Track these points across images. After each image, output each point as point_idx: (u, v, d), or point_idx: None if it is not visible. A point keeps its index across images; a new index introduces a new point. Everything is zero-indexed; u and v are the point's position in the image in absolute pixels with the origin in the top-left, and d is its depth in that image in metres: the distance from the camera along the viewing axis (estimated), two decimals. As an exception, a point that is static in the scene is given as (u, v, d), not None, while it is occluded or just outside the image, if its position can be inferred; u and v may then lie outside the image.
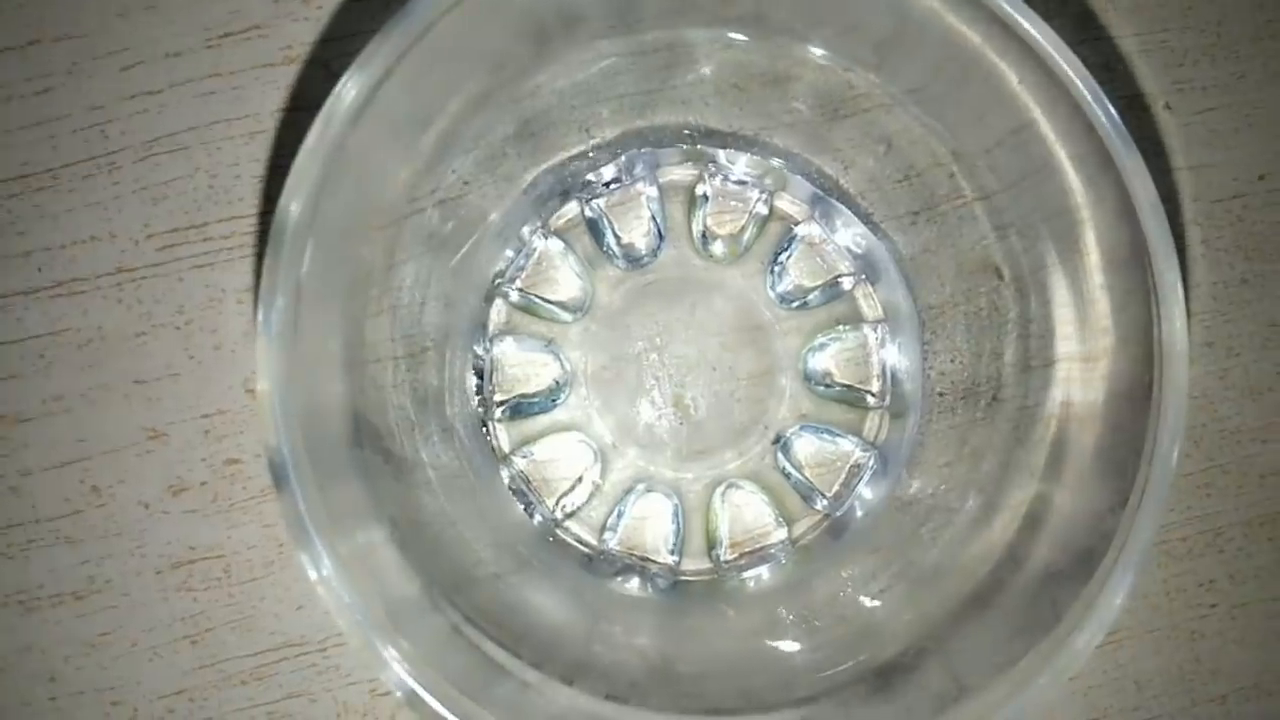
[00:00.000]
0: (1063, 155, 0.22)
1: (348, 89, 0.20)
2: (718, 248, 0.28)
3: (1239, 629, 0.30)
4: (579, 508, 0.27)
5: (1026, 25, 0.21)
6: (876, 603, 0.25)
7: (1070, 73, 0.21)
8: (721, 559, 0.27)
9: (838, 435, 0.28)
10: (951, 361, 0.27)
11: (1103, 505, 0.21)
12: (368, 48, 0.20)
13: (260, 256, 0.28)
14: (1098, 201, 0.22)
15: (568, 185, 0.27)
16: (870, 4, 0.23)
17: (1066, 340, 0.23)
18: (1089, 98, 0.21)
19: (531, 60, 0.24)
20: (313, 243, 0.20)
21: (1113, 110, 0.21)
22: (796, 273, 0.28)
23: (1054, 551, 0.22)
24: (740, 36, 0.24)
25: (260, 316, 0.19)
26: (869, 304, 0.28)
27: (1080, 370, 0.23)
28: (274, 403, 0.19)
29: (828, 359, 0.28)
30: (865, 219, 0.27)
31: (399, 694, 0.20)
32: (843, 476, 0.28)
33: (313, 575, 0.20)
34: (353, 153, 0.20)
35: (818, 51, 0.24)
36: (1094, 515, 0.21)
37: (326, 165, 0.20)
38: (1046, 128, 0.22)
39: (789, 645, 0.25)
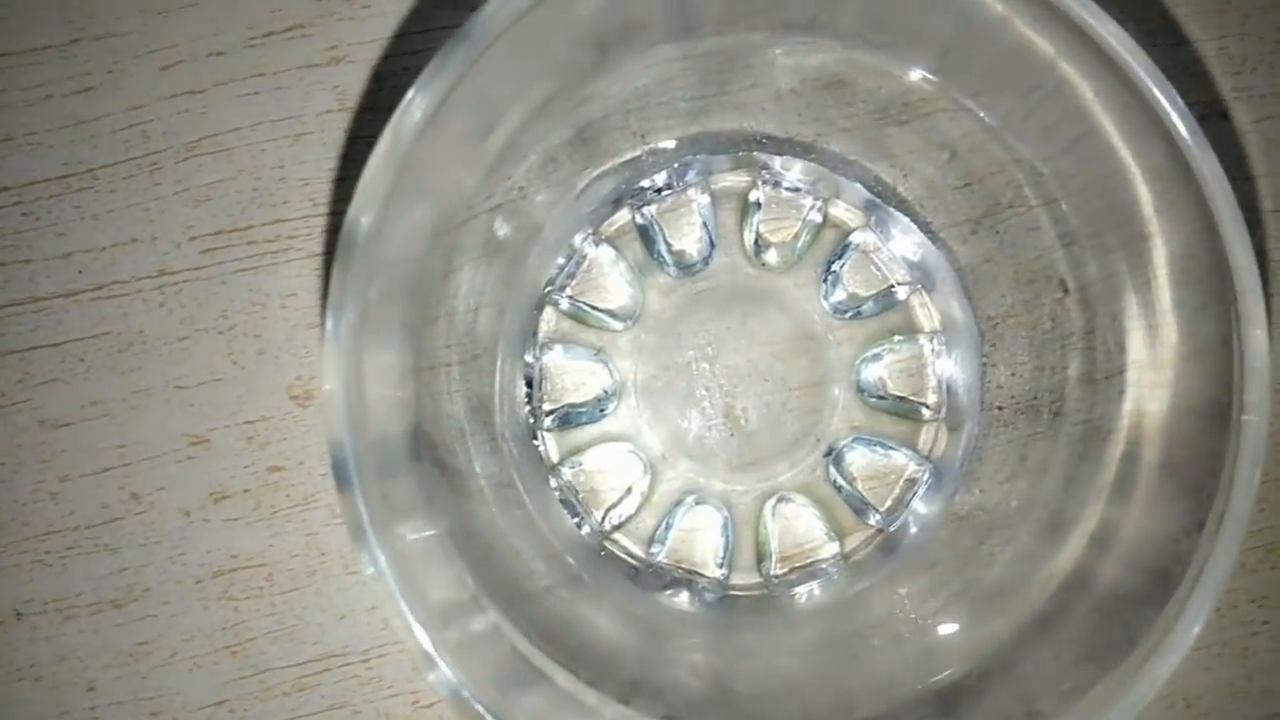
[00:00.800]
0: (1135, 165, 0.22)
1: (416, 103, 0.19)
2: (770, 255, 0.28)
3: (1293, 647, 0.29)
4: (627, 519, 0.27)
5: (1103, 32, 0.20)
6: (936, 622, 0.24)
7: (1149, 81, 0.20)
8: (771, 573, 0.27)
9: (891, 448, 0.27)
10: (1011, 374, 0.26)
11: (1175, 526, 0.21)
12: (433, 61, 0.20)
13: (308, 259, 0.28)
14: (1171, 213, 0.22)
15: (620, 192, 0.27)
16: (935, 9, 0.22)
17: (1135, 355, 0.23)
18: (1168, 107, 0.20)
19: (591, 67, 0.23)
20: (379, 251, 0.20)
21: (1194, 120, 0.20)
22: (851, 282, 0.28)
23: (1125, 573, 0.21)
24: (799, 42, 0.24)
25: (329, 325, 0.19)
26: (925, 314, 0.28)
27: (1149, 386, 0.23)
28: (341, 404, 0.19)
29: (882, 370, 0.28)
30: (923, 227, 0.27)
31: (444, 694, 0.19)
32: (896, 490, 0.27)
33: (369, 571, 0.19)
34: (418, 164, 0.20)
35: (879, 57, 0.24)
36: (1167, 537, 0.21)
37: (394, 178, 0.19)
38: (1118, 137, 0.22)
39: (847, 665, 0.24)
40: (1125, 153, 0.22)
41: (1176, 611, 0.20)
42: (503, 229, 0.25)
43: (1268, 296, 0.30)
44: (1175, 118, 0.20)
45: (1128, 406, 0.23)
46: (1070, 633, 0.21)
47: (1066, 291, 0.24)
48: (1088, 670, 0.20)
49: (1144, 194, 0.22)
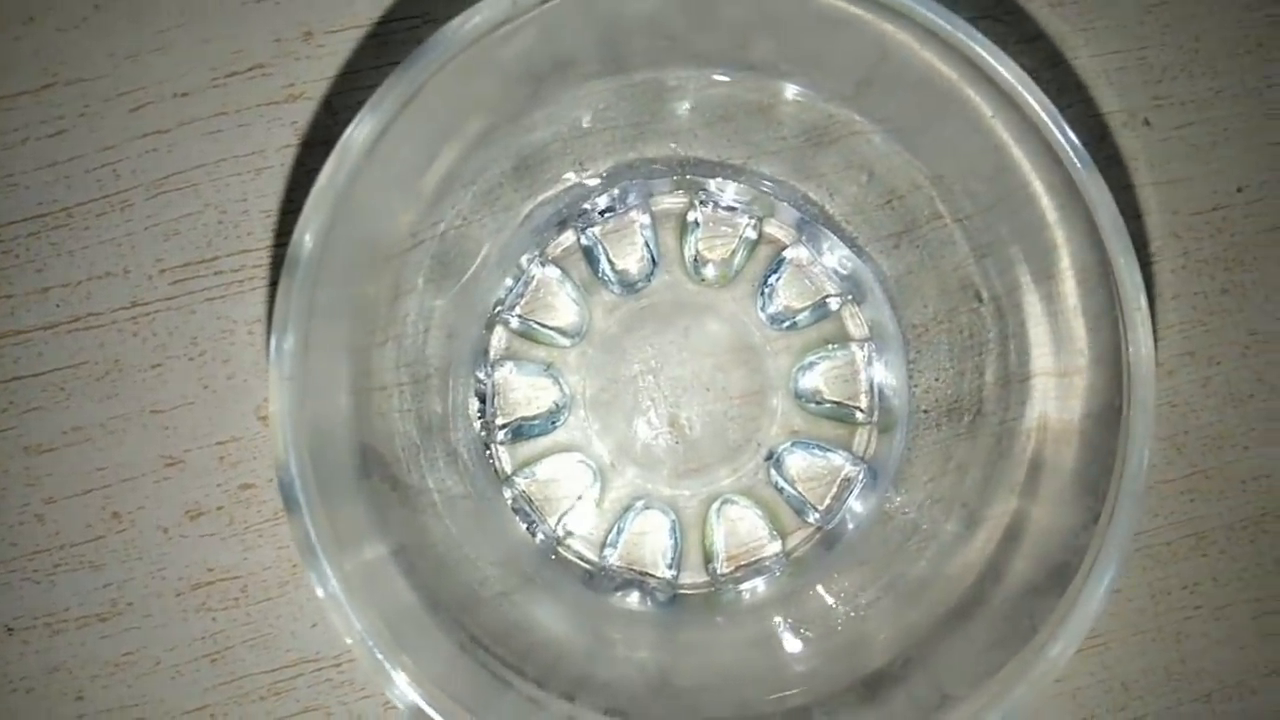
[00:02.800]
0: (1036, 182, 0.23)
1: (357, 132, 0.21)
2: (709, 272, 0.29)
3: (1222, 630, 0.31)
4: (579, 525, 0.29)
5: (994, 63, 0.22)
6: (865, 614, 0.26)
7: (1036, 106, 0.22)
8: (718, 572, 0.28)
9: (828, 450, 0.29)
10: (935, 379, 0.28)
11: (1076, 521, 0.22)
12: (375, 94, 0.21)
13: (270, 288, 0.30)
14: (1069, 227, 0.23)
15: (564, 215, 0.28)
16: (847, 44, 0.24)
17: (1042, 360, 0.24)
18: (1053, 128, 0.22)
19: (526, 101, 0.25)
20: (323, 276, 0.21)
21: (1075, 139, 0.22)
22: (786, 295, 0.29)
23: (1031, 566, 0.23)
24: (723, 75, 0.25)
25: (273, 344, 0.20)
26: (855, 324, 0.29)
27: (1055, 390, 0.24)
28: (284, 426, 0.20)
29: (817, 377, 0.29)
30: (850, 243, 0.28)
31: (403, 709, 0.21)
32: (834, 490, 0.29)
33: (320, 593, 0.21)
34: (361, 191, 0.21)
35: (798, 87, 0.25)
36: (1068, 531, 0.22)
37: (336, 203, 0.21)
38: (1019, 156, 0.23)
39: (783, 656, 0.26)
40: (1025, 171, 0.23)
41: (1072, 600, 0.21)
42: (449, 255, 0.26)
43: (1168, 297, 0.31)
44: (1060, 138, 0.22)
45: (1035, 410, 0.24)
46: (982, 622, 0.23)
47: (981, 301, 0.26)
48: (995, 655, 0.22)
49: (1045, 210, 0.23)
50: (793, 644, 0.26)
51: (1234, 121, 0.32)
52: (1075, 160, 0.21)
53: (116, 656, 0.29)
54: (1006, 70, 0.22)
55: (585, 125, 0.27)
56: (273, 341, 0.21)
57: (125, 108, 0.30)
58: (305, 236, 0.21)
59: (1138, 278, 0.21)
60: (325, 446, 0.22)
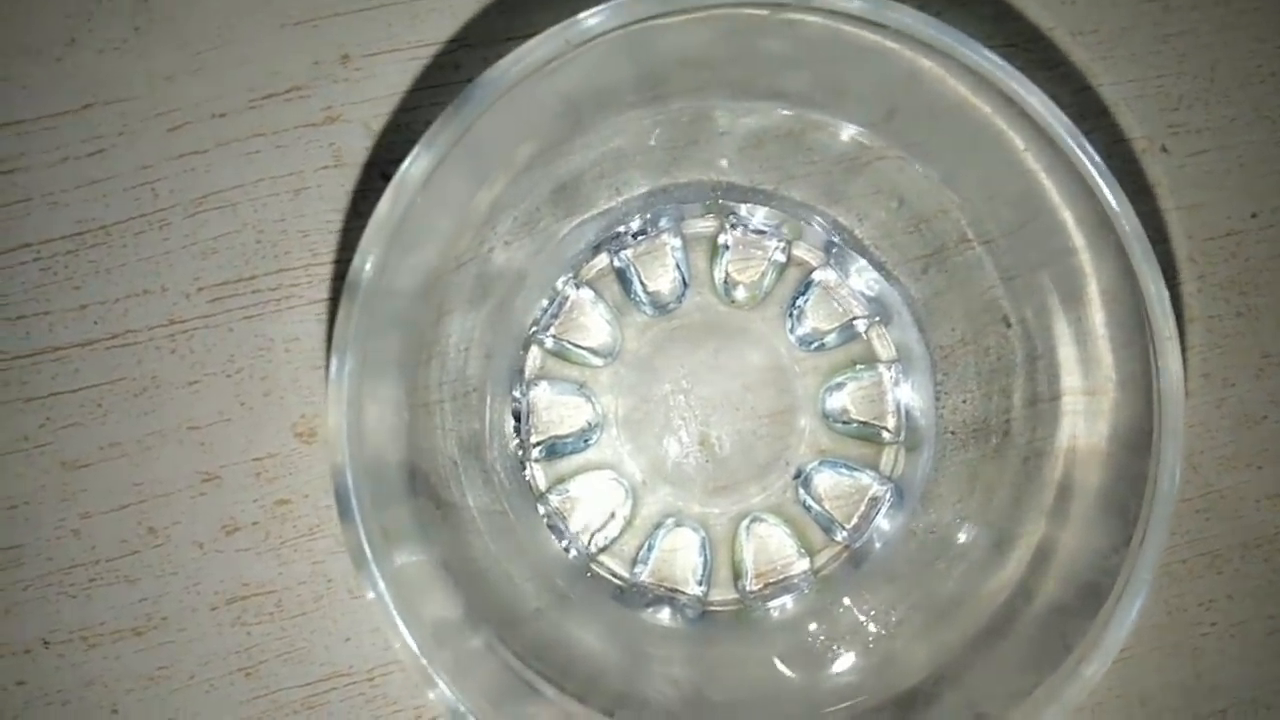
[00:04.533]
0: (1065, 210, 0.24)
1: (414, 167, 0.22)
2: (739, 294, 0.30)
3: (1238, 646, 0.31)
4: (611, 542, 0.29)
5: (1025, 95, 0.22)
6: (896, 632, 0.26)
7: (1067, 138, 0.22)
8: (747, 589, 0.29)
9: (856, 470, 0.29)
10: (963, 400, 0.28)
11: (1105, 544, 0.23)
12: (429, 130, 0.22)
13: (309, 306, 0.30)
14: (1097, 254, 0.24)
15: (598, 238, 0.29)
16: (879, 74, 0.24)
17: (1071, 385, 0.25)
18: (1085, 161, 0.22)
19: (568, 130, 0.25)
20: (376, 300, 0.22)
21: (1107, 171, 0.22)
22: (814, 316, 0.30)
23: (1061, 587, 0.23)
24: (756, 104, 0.26)
25: (333, 366, 0.21)
26: (883, 345, 0.30)
27: (1084, 414, 0.25)
28: (343, 438, 0.21)
29: (845, 397, 0.30)
30: (878, 266, 0.29)
31: (443, 710, 0.21)
32: (861, 508, 0.29)
33: (369, 595, 0.21)
34: (413, 221, 0.22)
35: (829, 115, 0.26)
36: (1098, 553, 0.23)
37: (396, 228, 0.21)
38: (1049, 185, 0.24)
39: (815, 674, 0.26)
40: (1054, 200, 0.24)
41: (1105, 621, 0.22)
42: (489, 277, 0.27)
43: (1184, 321, 0.32)
44: (1093, 171, 0.22)
45: (1064, 432, 0.25)
46: (1013, 642, 0.24)
47: (1009, 325, 0.27)
48: (1028, 676, 0.22)
49: (1074, 237, 0.24)
50: (824, 661, 0.26)
51: (1248, 148, 0.32)
52: (1108, 193, 0.22)
53: (151, 670, 0.29)
54: (1038, 102, 0.22)
55: (621, 153, 0.27)
56: (333, 363, 0.21)
57: (163, 128, 0.30)
58: (366, 265, 0.21)
59: (1168, 306, 0.22)
60: (376, 460, 0.22)
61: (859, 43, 0.23)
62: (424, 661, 0.21)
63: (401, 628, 0.21)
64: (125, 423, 0.30)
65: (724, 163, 0.28)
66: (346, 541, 0.21)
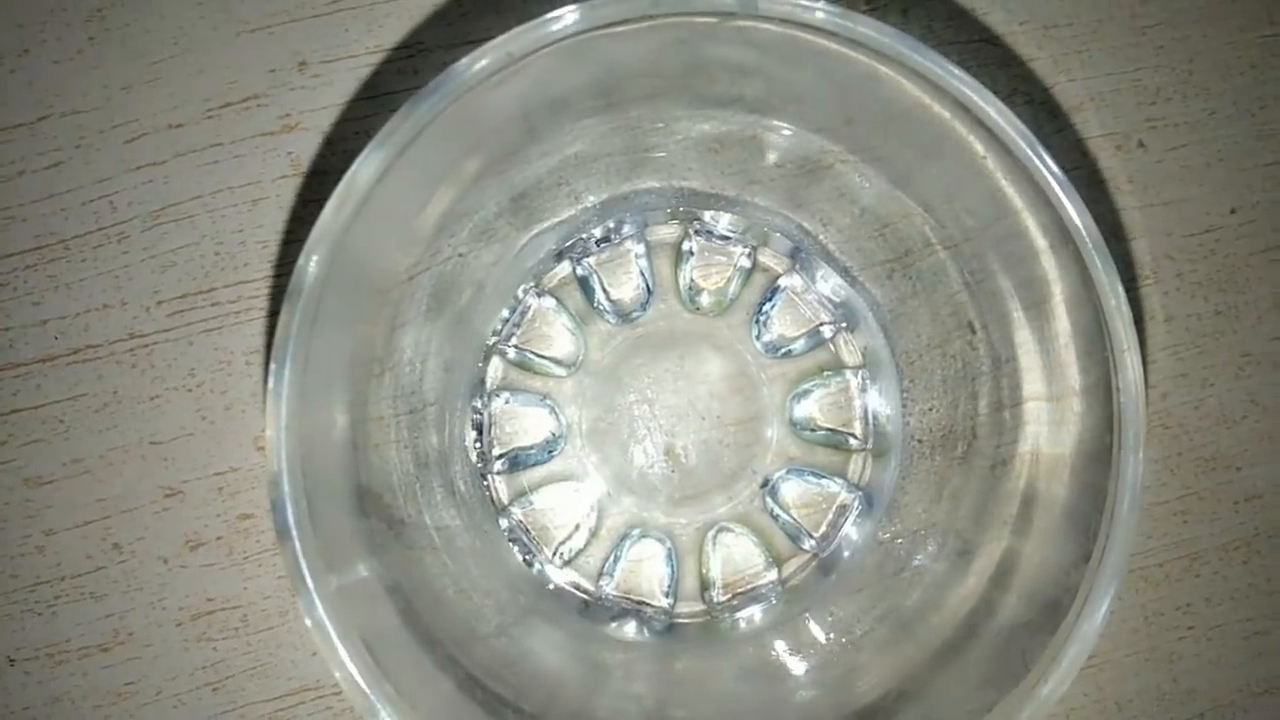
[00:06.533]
0: (1026, 216, 0.23)
1: (362, 169, 0.21)
2: (704, 300, 0.29)
3: (1215, 650, 0.31)
4: (576, 554, 0.29)
5: (980, 102, 0.22)
6: (860, 644, 0.26)
7: (1023, 144, 0.22)
8: (714, 600, 0.29)
9: (823, 477, 0.29)
10: (930, 408, 0.28)
11: (1067, 559, 0.22)
12: (380, 133, 0.21)
13: (267, 319, 0.30)
14: (1059, 260, 0.23)
15: (560, 246, 0.29)
16: (836, 82, 0.24)
17: (1034, 392, 0.25)
18: (1040, 167, 0.22)
19: (523, 138, 0.25)
20: (323, 307, 0.21)
21: (1063, 177, 0.22)
22: (780, 323, 0.29)
23: (1023, 602, 0.23)
24: (714, 112, 0.25)
25: (272, 368, 0.20)
26: (849, 351, 0.29)
27: (1047, 422, 0.24)
28: (279, 449, 0.21)
29: (811, 405, 0.29)
30: (844, 271, 0.28)
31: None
32: (830, 516, 0.29)
33: (307, 622, 0.21)
34: (362, 226, 0.22)
35: (789, 123, 0.25)
36: (1059, 568, 0.22)
37: (339, 237, 0.21)
38: (1009, 191, 0.23)
39: (777, 689, 0.26)
40: (1015, 205, 0.23)
41: (1063, 640, 0.21)
42: (446, 288, 0.26)
43: (1161, 328, 0.31)
44: (1055, 187, 0.22)
45: (1027, 441, 0.25)
46: (974, 658, 0.23)
47: (974, 330, 0.26)
48: (987, 693, 0.22)
49: (1035, 242, 0.24)
50: (788, 676, 0.26)
51: (1227, 143, 0.32)
52: (1067, 203, 0.22)
53: (118, 686, 0.29)
54: (992, 109, 0.22)
55: (579, 160, 0.27)
56: (272, 366, 0.21)
57: (120, 139, 0.30)
58: (309, 266, 0.21)
59: (1129, 320, 0.22)
60: (321, 476, 0.22)
61: (812, 48, 0.22)
62: (365, 690, 0.20)
63: (341, 653, 0.20)
64: (87, 438, 0.29)
65: (686, 168, 0.28)
66: (284, 562, 0.21)
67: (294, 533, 0.21)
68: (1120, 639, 0.31)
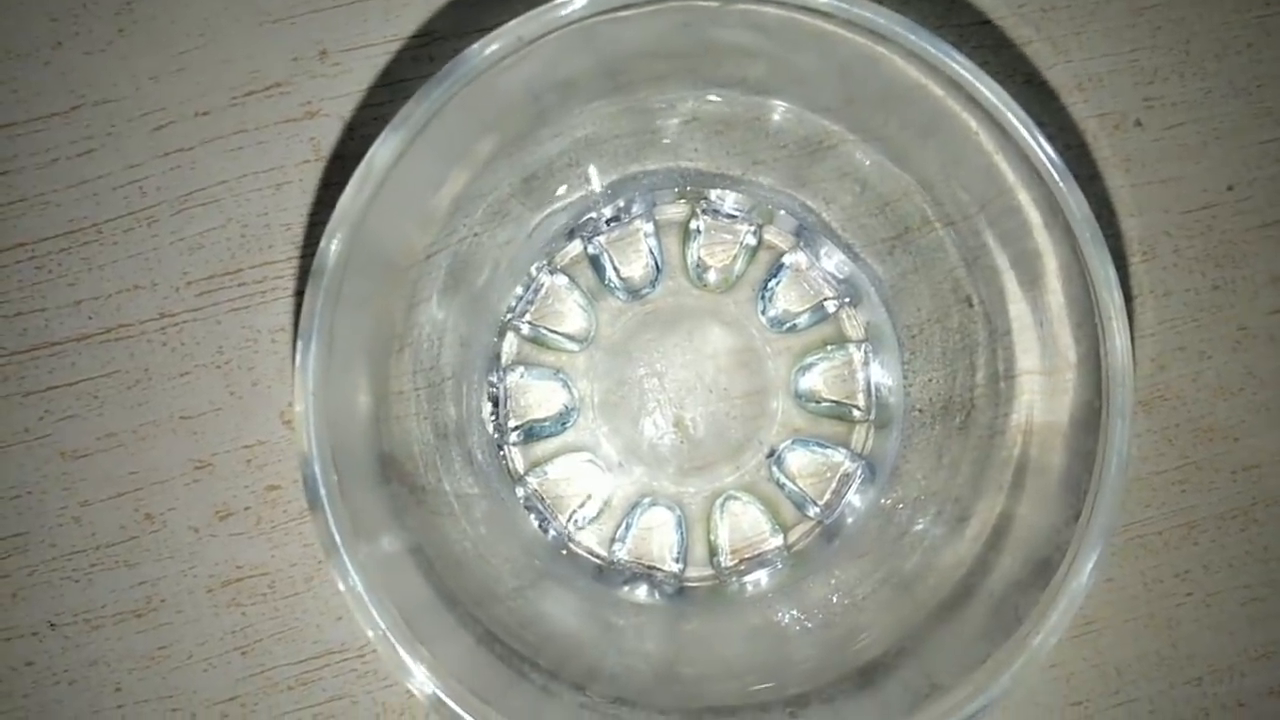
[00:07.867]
0: (1021, 192, 0.24)
1: (380, 152, 0.22)
2: (711, 277, 0.30)
3: (1213, 616, 0.32)
4: (589, 522, 0.30)
5: (975, 82, 0.23)
6: (862, 605, 0.27)
7: (1016, 123, 0.23)
8: (722, 565, 0.30)
9: (828, 447, 0.30)
10: (929, 379, 0.29)
11: (1059, 519, 0.23)
12: (397, 116, 0.22)
13: (292, 299, 0.31)
14: (1053, 235, 0.24)
15: (571, 225, 0.30)
16: (836, 62, 0.25)
17: (1027, 363, 0.25)
18: (1034, 145, 0.23)
19: (534, 121, 0.26)
20: (345, 286, 0.23)
21: (1056, 156, 0.23)
22: (785, 299, 0.30)
23: (1017, 561, 0.24)
24: (719, 94, 0.26)
25: (298, 347, 0.22)
26: (852, 325, 0.30)
27: (1041, 393, 0.25)
28: (308, 425, 0.22)
29: (816, 377, 0.30)
30: (846, 248, 0.29)
31: (423, 698, 0.22)
32: (833, 485, 0.30)
33: (341, 587, 0.22)
34: (381, 207, 0.23)
35: (791, 103, 0.26)
36: (1051, 528, 0.23)
37: (359, 218, 0.22)
38: (1004, 168, 0.24)
39: (783, 647, 0.27)
40: (1010, 182, 0.24)
41: (1054, 594, 0.22)
42: (462, 267, 0.28)
43: (1159, 303, 0.32)
44: (1047, 165, 0.23)
45: (1022, 411, 0.25)
46: (970, 615, 0.24)
47: (972, 304, 0.27)
48: (981, 647, 0.23)
49: (1030, 218, 0.24)
50: (793, 635, 0.27)
51: (1224, 121, 0.32)
52: (1058, 179, 0.22)
53: (152, 650, 0.30)
54: (987, 89, 0.23)
55: (589, 142, 0.28)
56: (298, 345, 0.22)
57: (149, 127, 0.31)
58: (331, 247, 0.22)
59: (1116, 287, 0.22)
60: (346, 447, 0.23)
61: (814, 30, 0.23)
62: (399, 650, 0.21)
63: (375, 616, 0.22)
64: (120, 414, 0.31)
65: (692, 149, 0.28)
66: (316, 529, 0.22)
67: (325, 502, 0.22)
68: (1119, 605, 0.32)
